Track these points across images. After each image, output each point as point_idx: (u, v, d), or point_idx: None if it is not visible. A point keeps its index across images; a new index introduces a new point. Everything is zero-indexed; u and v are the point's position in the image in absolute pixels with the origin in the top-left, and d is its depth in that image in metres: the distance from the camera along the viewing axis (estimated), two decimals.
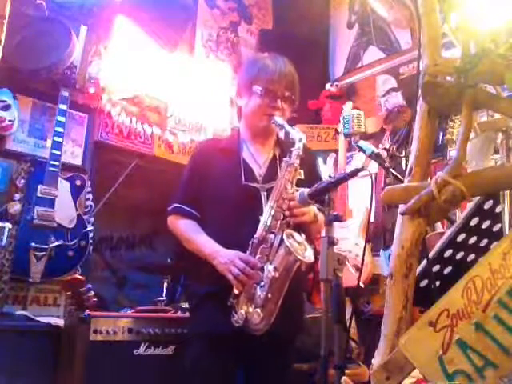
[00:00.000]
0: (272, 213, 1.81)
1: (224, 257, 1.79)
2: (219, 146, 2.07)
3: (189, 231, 1.94)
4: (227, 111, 3.86)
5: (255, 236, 1.79)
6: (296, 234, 1.77)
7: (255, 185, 1.93)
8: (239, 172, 1.93)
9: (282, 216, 1.82)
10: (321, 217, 1.88)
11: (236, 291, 1.75)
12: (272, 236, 1.80)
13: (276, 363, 1.87)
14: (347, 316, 1.52)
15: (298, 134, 1.91)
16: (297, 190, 1.84)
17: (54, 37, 3.03)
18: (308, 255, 1.76)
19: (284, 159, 1.90)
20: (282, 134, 2.12)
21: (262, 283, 1.74)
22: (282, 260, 1.74)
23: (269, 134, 2.05)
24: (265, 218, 1.81)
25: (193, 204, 1.96)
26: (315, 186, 1.61)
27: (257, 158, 2.01)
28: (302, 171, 1.94)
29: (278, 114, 1.94)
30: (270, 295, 1.72)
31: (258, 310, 1.72)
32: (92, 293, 2.27)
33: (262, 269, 1.76)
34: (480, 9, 1.11)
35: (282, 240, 1.75)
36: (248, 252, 1.79)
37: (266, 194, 1.91)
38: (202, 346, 1.84)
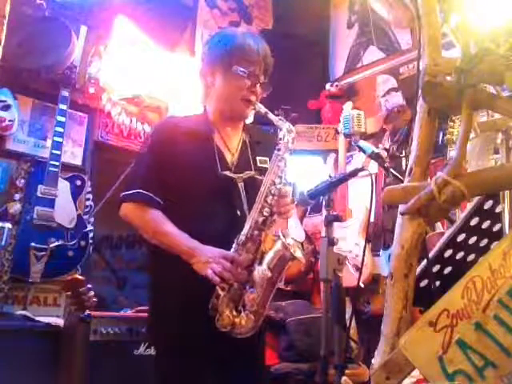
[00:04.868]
0: (260, 208, 1.67)
1: (205, 255, 1.59)
2: (185, 126, 1.81)
3: (158, 223, 1.67)
4: None
5: (242, 233, 1.64)
6: (290, 234, 1.71)
7: (232, 175, 1.76)
8: (213, 159, 1.74)
9: (269, 212, 1.68)
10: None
11: (220, 292, 1.58)
12: (259, 233, 1.65)
13: (249, 364, 1.73)
14: (347, 316, 1.52)
15: (284, 124, 1.78)
16: (284, 185, 1.76)
17: (54, 37, 3.03)
18: (299, 255, 1.67)
19: (275, 152, 1.76)
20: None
21: (252, 284, 1.62)
22: (275, 259, 1.64)
23: (240, 119, 1.87)
24: (253, 214, 1.66)
25: (157, 191, 1.69)
26: (315, 185, 1.60)
27: (228, 144, 1.82)
28: (267, 159, 1.81)
29: (254, 100, 1.78)
30: (261, 297, 1.62)
31: (248, 312, 1.61)
32: (92, 293, 2.27)
33: (248, 268, 1.63)
34: (480, 9, 1.11)
35: (277, 238, 1.67)
36: (233, 250, 1.62)
37: (243, 185, 1.76)
38: (175, 359, 1.64)
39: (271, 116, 1.78)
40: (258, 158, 1.84)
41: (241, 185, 1.76)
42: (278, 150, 1.75)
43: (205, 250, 1.61)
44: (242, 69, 1.75)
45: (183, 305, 1.62)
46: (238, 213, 1.71)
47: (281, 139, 1.77)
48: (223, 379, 1.69)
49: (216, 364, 1.66)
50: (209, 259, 1.58)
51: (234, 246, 1.64)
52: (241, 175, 1.77)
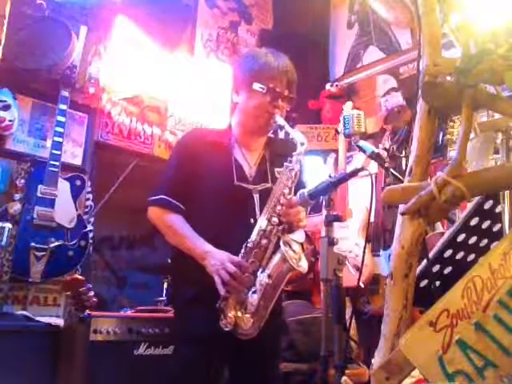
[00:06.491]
0: (268, 217, 1.76)
1: (215, 258, 1.71)
2: (208, 138, 1.96)
3: (178, 227, 1.83)
4: (227, 111, 3.86)
5: (249, 240, 1.73)
6: (293, 243, 1.75)
7: (247, 186, 1.87)
8: (231, 171, 1.87)
9: (277, 221, 1.76)
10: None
11: (226, 294, 1.69)
12: (266, 241, 1.74)
13: (262, 364, 1.84)
14: (347, 316, 1.52)
15: (299, 136, 1.86)
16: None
17: (54, 37, 3.03)
18: (302, 265, 1.74)
19: (285, 163, 1.84)
20: (282, 135, 2.10)
21: (254, 289, 1.70)
22: (277, 267, 1.71)
23: (263, 134, 1.99)
24: (260, 223, 1.76)
25: (179, 198, 1.86)
26: (315, 185, 1.61)
27: (247, 158, 1.95)
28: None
29: (278, 113, 1.88)
30: (262, 301, 1.69)
31: (249, 315, 1.69)
32: (92, 293, 2.27)
33: (253, 273, 1.71)
34: (480, 9, 1.11)
35: (278, 247, 1.73)
36: (241, 255, 1.73)
37: (258, 196, 1.86)
38: (190, 350, 1.77)
39: (288, 128, 1.88)
40: (276, 170, 1.93)
41: (256, 195, 1.87)
42: (290, 161, 1.84)
43: (216, 253, 1.73)
44: (261, 85, 1.87)
45: (196, 303, 1.76)
46: (252, 220, 1.81)
47: (294, 151, 1.85)
48: (230, 377, 1.84)
49: (224, 361, 1.81)
50: (216, 262, 1.70)
51: (241, 251, 1.73)
52: (257, 187, 1.88)
